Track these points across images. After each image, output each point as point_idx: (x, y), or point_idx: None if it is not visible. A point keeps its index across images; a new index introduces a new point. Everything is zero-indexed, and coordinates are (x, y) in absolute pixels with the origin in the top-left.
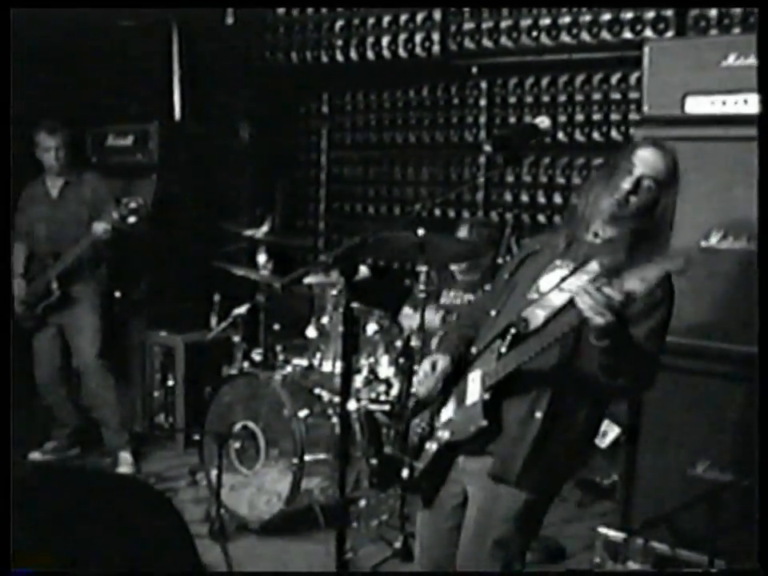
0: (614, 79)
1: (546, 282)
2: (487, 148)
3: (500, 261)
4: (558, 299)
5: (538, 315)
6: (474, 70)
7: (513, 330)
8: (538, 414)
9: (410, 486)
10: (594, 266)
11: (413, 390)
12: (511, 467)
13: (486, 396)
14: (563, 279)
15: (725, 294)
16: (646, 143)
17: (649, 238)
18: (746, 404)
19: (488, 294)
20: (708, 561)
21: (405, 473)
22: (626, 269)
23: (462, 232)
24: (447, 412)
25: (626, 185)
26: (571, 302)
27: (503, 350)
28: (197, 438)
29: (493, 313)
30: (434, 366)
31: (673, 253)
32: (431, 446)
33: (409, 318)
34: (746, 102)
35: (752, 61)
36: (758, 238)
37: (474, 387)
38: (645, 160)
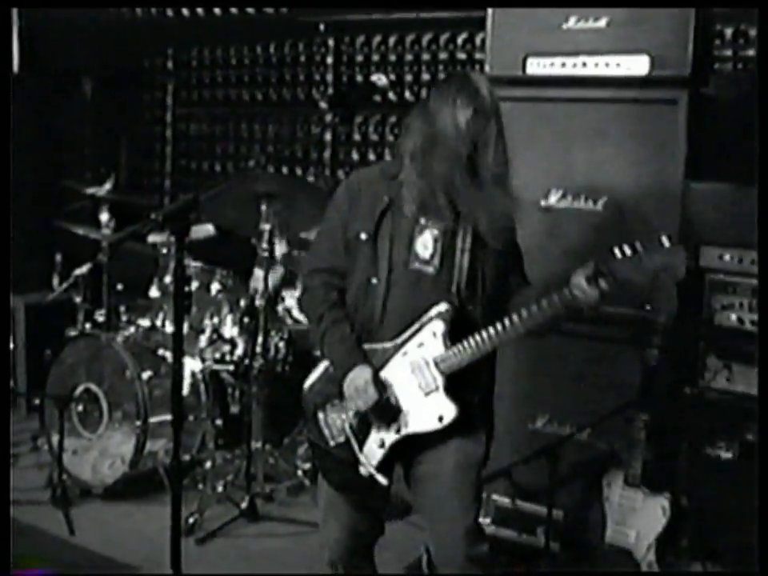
0: (460, 39)
1: (422, 245)
2: (323, 105)
3: None
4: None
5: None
6: (322, 26)
7: (444, 308)
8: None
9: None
10: (464, 224)
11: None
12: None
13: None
14: (442, 246)
15: (563, 253)
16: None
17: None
18: (584, 360)
19: (335, 256)
20: (546, 512)
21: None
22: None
23: None
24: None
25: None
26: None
27: (439, 330)
28: (38, 402)
29: (374, 281)
30: (362, 382)
31: (667, 246)
32: (377, 439)
33: (258, 280)
34: (584, 64)
35: (591, 24)
36: (759, 236)
37: (423, 373)
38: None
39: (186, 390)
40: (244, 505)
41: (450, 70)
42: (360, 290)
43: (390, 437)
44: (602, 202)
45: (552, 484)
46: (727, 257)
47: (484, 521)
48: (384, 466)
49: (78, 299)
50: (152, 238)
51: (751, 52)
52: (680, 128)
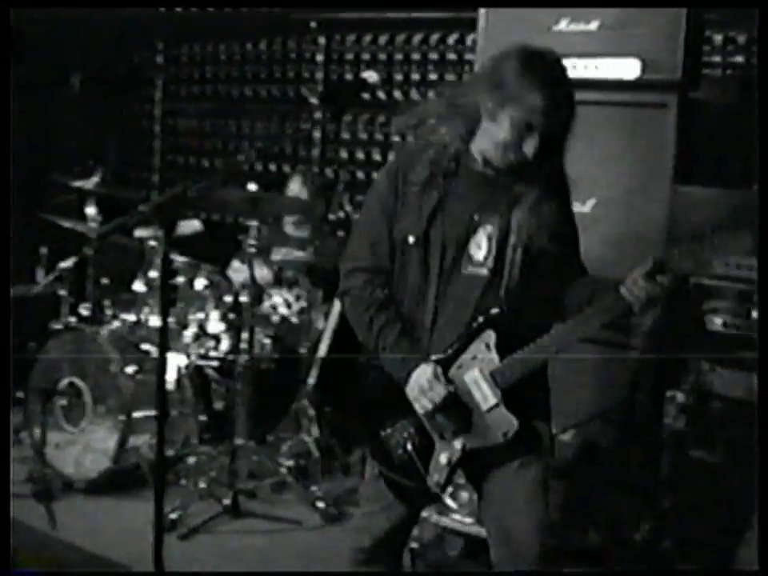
0: (451, 40)
1: (476, 247)
2: (313, 100)
3: (331, 217)
4: (517, 262)
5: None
6: (313, 24)
7: (494, 314)
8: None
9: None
10: (519, 216)
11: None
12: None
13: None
14: (497, 243)
15: None
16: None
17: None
18: (567, 361)
19: (377, 254)
20: None
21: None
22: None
23: (295, 183)
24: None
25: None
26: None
27: (492, 341)
28: (21, 395)
29: (424, 288)
30: (425, 380)
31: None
32: (442, 457)
33: (237, 271)
34: (575, 67)
35: (583, 26)
36: (759, 237)
37: (481, 388)
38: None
39: (170, 386)
40: (227, 501)
41: (440, 69)
42: (409, 297)
43: (456, 453)
44: (590, 204)
45: None
46: (714, 261)
47: (465, 519)
48: (447, 483)
49: (62, 292)
50: (139, 233)
51: (740, 58)
52: (669, 132)
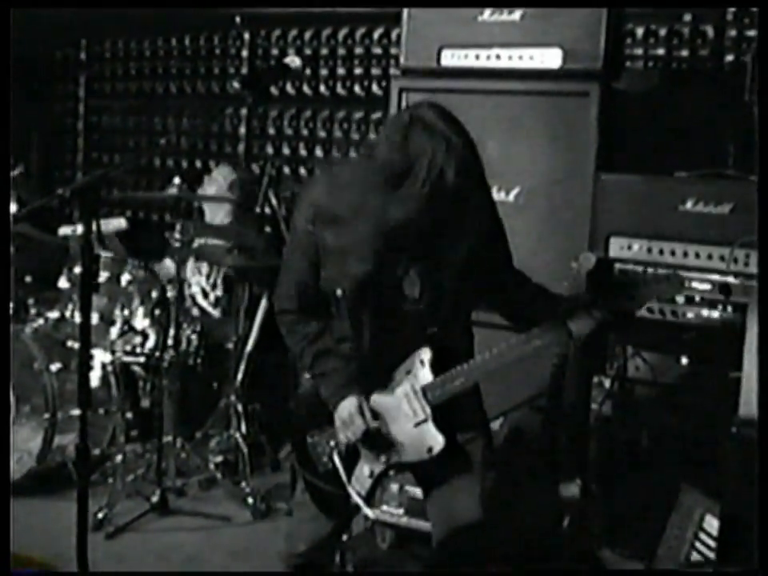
0: (377, 34)
1: (410, 285)
2: (236, 85)
3: (257, 210)
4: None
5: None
6: (238, 19)
7: (430, 333)
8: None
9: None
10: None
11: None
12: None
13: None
14: (431, 275)
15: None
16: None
17: None
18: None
19: (304, 294)
20: None
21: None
22: None
23: (211, 187)
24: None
25: None
26: None
27: (426, 357)
28: None
29: (359, 333)
30: (347, 414)
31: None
32: (365, 469)
33: (167, 269)
34: (498, 56)
35: (506, 17)
36: (759, 236)
37: (411, 402)
38: None
39: (95, 383)
40: (155, 499)
41: (366, 64)
42: (343, 337)
43: (378, 467)
44: (514, 193)
45: None
46: (636, 247)
47: (397, 511)
48: (370, 494)
49: None
50: (63, 230)
51: (661, 51)
52: (591, 120)
